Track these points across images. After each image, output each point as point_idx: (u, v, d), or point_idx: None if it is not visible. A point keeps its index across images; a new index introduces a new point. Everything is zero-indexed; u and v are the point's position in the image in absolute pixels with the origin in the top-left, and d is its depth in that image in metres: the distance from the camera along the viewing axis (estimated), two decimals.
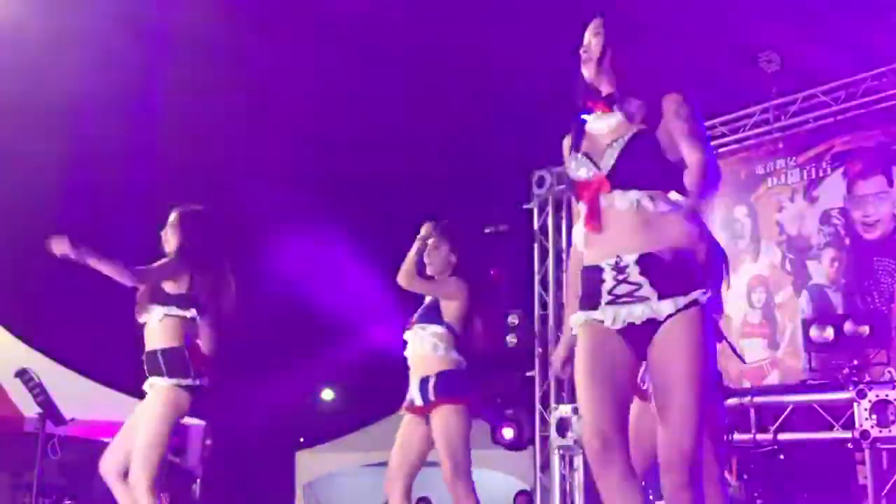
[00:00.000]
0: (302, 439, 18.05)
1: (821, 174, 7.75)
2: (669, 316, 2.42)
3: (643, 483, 2.88)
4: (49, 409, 6.18)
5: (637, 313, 2.44)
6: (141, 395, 4.26)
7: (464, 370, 4.10)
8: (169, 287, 4.16)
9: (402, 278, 4.15)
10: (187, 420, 9.49)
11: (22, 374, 6.12)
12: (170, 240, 4.32)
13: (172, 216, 4.36)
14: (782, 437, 6.80)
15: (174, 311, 4.15)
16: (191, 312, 4.17)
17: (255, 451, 20.24)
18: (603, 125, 2.60)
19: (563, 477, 8.13)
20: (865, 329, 6.41)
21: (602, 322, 2.49)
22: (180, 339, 4.14)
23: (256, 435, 20.51)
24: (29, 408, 7.22)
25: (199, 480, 9.74)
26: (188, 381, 4.09)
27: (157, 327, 4.17)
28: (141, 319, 4.23)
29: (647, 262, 2.44)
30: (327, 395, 27.39)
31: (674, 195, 2.50)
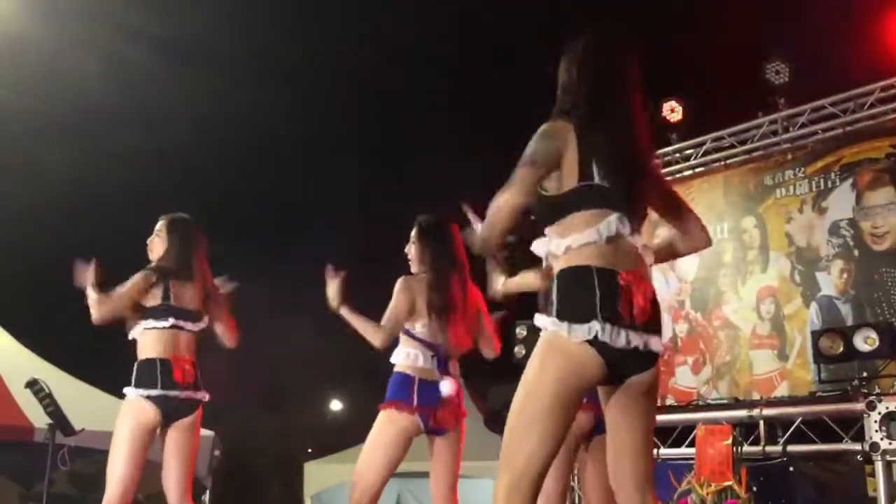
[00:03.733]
0: (310, 450, 18.07)
1: (830, 185, 7.74)
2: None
3: None
4: (59, 420, 6.21)
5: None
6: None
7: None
8: (147, 300, 4.21)
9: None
10: None
11: (32, 385, 6.15)
12: (155, 248, 4.36)
13: (158, 224, 4.40)
14: (791, 448, 6.77)
15: (151, 323, 4.18)
16: (168, 322, 4.19)
17: (264, 461, 20.25)
18: None
19: (571, 488, 8.10)
20: (875, 340, 6.38)
21: None
22: (156, 352, 4.17)
23: (265, 446, 20.52)
24: (39, 418, 7.24)
25: (208, 491, 9.75)
26: (153, 392, 4.10)
27: (140, 340, 4.23)
28: (130, 335, 4.28)
29: None
30: (335, 405, 27.40)
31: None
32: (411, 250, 4.16)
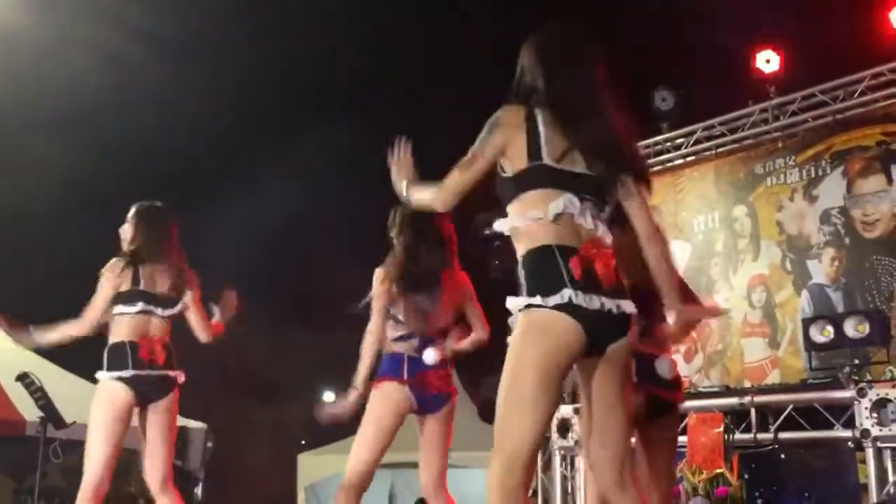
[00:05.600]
0: (303, 441, 18.06)
1: (820, 173, 7.76)
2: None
3: None
4: (50, 413, 6.19)
5: None
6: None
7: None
8: (120, 286, 4.21)
9: None
10: (188, 423, 9.51)
11: (23, 378, 6.13)
12: (126, 236, 4.37)
13: (130, 213, 4.40)
14: (783, 436, 6.78)
15: (121, 308, 4.19)
16: (137, 307, 4.19)
17: (257, 453, 20.24)
18: None
19: (564, 477, 8.11)
20: (865, 328, 6.40)
21: None
22: (126, 335, 4.17)
23: (258, 437, 20.52)
24: (30, 411, 7.23)
25: (200, 483, 9.74)
26: (124, 373, 4.11)
27: (112, 325, 4.23)
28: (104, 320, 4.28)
29: None
30: (328, 397, 27.42)
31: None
32: (393, 232, 4.18)
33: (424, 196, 2.72)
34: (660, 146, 9.04)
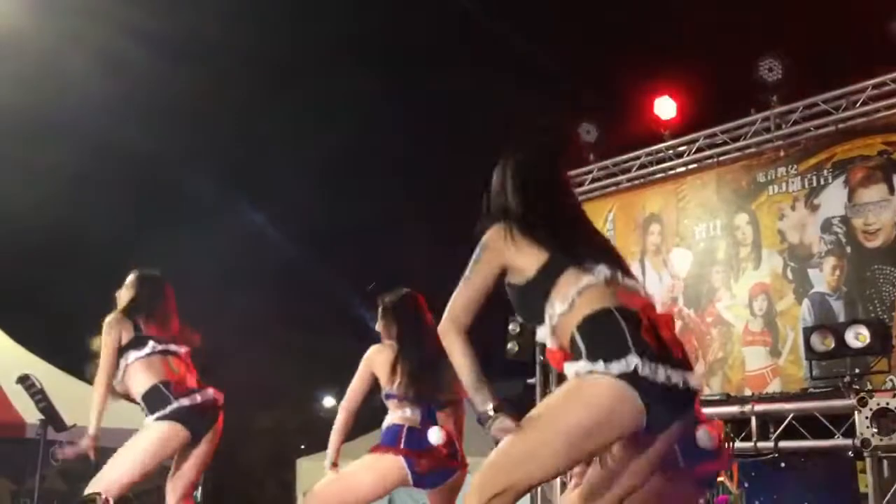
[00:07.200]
0: (303, 446, 18.04)
1: (822, 182, 7.76)
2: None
3: None
4: (50, 416, 6.18)
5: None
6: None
7: None
8: (123, 339, 4.19)
9: None
10: None
11: (24, 380, 6.12)
12: (121, 300, 4.34)
13: (128, 279, 4.39)
14: (783, 444, 6.79)
15: (132, 355, 4.17)
16: (148, 349, 4.18)
17: (257, 458, 20.23)
18: None
19: (563, 485, 8.11)
20: (866, 337, 6.41)
21: None
22: (152, 378, 4.15)
23: (258, 442, 20.51)
24: (31, 414, 7.22)
25: (200, 487, 9.73)
26: (170, 408, 4.09)
27: (131, 379, 4.19)
28: (118, 387, 4.24)
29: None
30: (328, 402, 27.39)
31: None
32: (379, 326, 4.23)
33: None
34: (662, 154, 9.05)
